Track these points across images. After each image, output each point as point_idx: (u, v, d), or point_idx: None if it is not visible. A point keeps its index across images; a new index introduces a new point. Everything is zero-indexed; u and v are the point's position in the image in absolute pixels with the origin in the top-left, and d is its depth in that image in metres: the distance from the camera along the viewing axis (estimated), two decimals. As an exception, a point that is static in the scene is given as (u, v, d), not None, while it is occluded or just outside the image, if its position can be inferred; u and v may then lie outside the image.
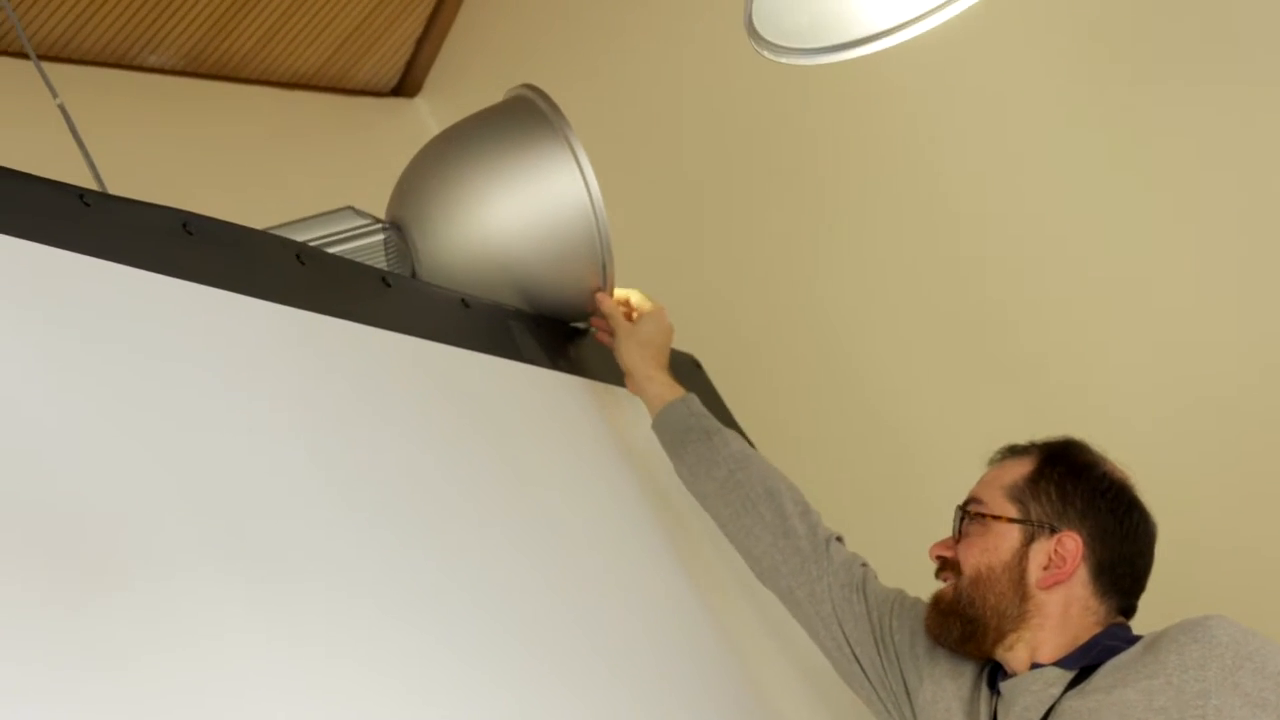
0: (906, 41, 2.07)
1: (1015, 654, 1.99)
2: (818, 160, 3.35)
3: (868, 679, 2.16)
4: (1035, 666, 1.98)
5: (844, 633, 2.17)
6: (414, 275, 2.35)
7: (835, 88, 3.19)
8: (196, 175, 3.12)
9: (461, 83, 3.80)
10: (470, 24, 3.82)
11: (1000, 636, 1.99)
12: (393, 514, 1.81)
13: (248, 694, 1.47)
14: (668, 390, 2.34)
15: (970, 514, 2.03)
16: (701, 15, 3.47)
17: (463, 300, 2.26)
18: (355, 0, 3.55)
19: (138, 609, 1.43)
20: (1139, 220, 3.01)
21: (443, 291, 2.24)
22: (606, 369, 2.45)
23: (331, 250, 2.23)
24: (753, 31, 2.01)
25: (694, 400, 2.34)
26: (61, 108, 1.98)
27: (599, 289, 2.42)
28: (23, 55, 2.89)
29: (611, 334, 2.41)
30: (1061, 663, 1.96)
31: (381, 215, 2.40)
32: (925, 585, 2.09)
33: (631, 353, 2.37)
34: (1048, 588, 1.98)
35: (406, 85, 3.86)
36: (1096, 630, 1.98)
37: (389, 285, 2.14)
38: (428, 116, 3.80)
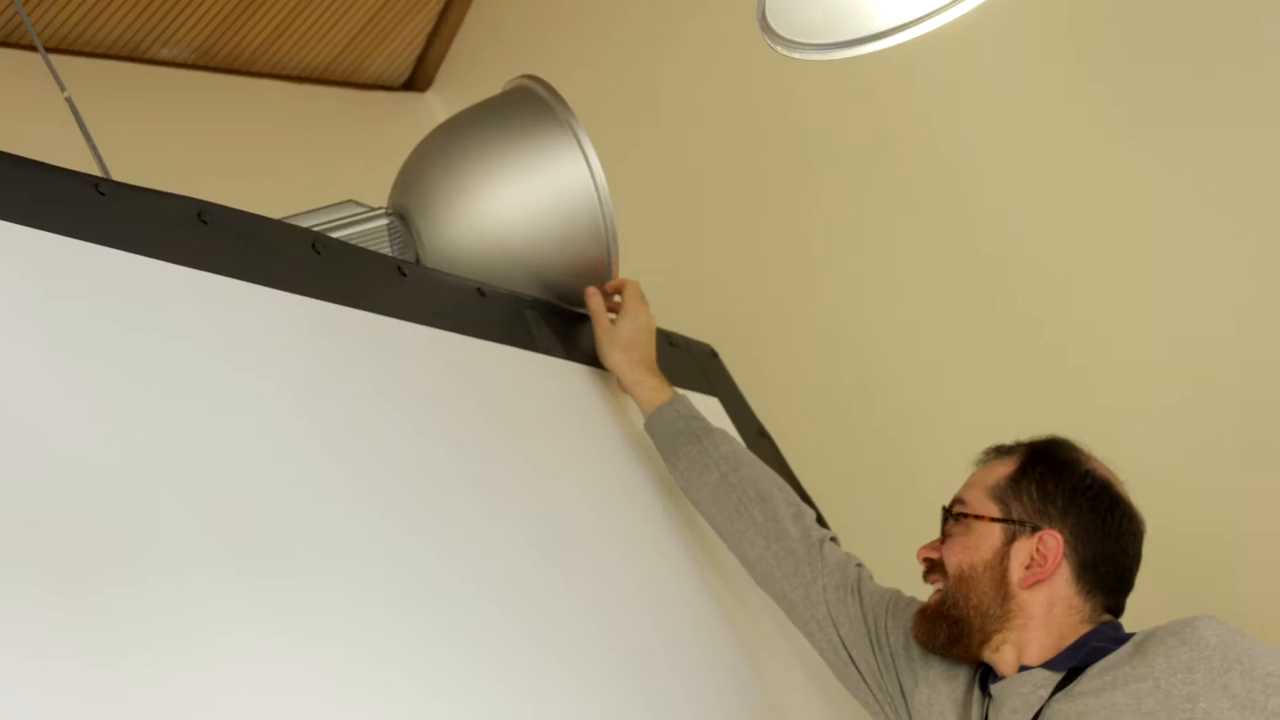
0: (920, 36, 2.07)
1: (1002, 655, 1.98)
2: (830, 152, 3.35)
3: (864, 681, 2.15)
4: (1023, 668, 1.97)
5: (839, 635, 2.16)
6: (418, 262, 2.34)
7: (848, 81, 3.19)
8: (208, 169, 3.12)
9: (472, 77, 3.80)
10: (481, 19, 3.82)
11: (986, 638, 1.98)
12: (405, 505, 1.81)
13: (254, 687, 1.47)
14: (656, 393, 2.32)
15: (954, 514, 2.03)
16: (712, 7, 3.47)
17: (478, 289, 2.25)
18: (367, -5, 3.56)
19: (143, 599, 1.42)
20: (1148, 214, 3.01)
21: (458, 280, 2.24)
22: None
23: (335, 235, 2.22)
24: (766, 27, 2.01)
25: (683, 402, 2.32)
26: (69, 100, 1.97)
27: (603, 277, 2.41)
28: (32, 48, 2.90)
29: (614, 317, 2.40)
30: (1049, 664, 1.95)
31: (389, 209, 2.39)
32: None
33: (614, 357, 2.34)
34: (1030, 587, 1.97)
35: (418, 79, 3.86)
36: (1084, 630, 1.97)
37: (404, 274, 2.13)
38: (439, 111, 3.80)
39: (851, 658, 2.15)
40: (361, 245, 2.20)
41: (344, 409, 1.83)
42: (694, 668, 2.14)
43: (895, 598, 2.17)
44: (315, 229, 2.13)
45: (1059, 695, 1.91)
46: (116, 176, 1.76)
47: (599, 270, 2.40)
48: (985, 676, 2.02)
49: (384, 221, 2.30)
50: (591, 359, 2.38)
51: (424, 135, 2.47)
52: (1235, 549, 2.90)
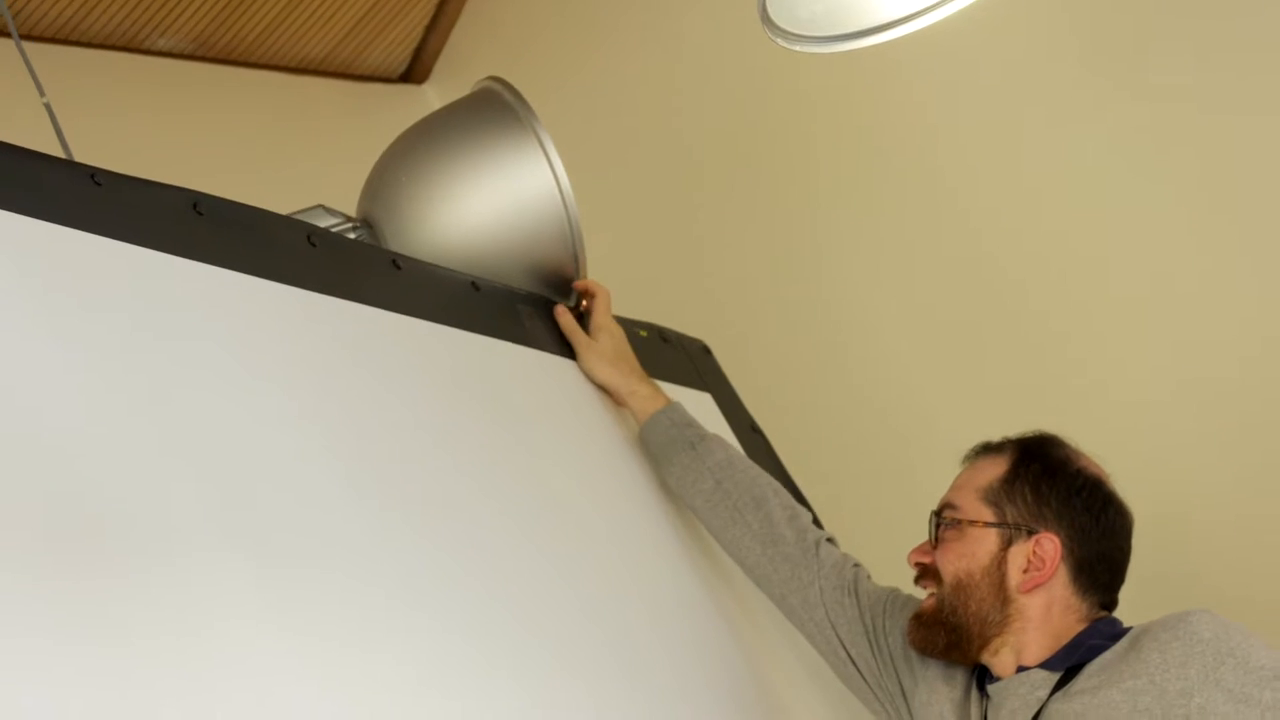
0: (919, 30, 2.07)
1: (1000, 659, 1.98)
2: (823, 146, 3.35)
3: (865, 681, 2.15)
4: (1021, 669, 1.96)
5: (838, 636, 2.16)
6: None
7: (842, 73, 3.19)
8: (204, 160, 3.12)
9: (469, 69, 3.79)
10: (478, 11, 3.82)
11: (985, 642, 1.98)
12: (399, 497, 1.81)
13: (253, 676, 1.47)
14: (650, 402, 2.32)
15: (946, 520, 2.02)
16: (710, 2, 3.47)
17: (473, 283, 2.25)
18: (364, -14, 3.55)
19: (141, 587, 1.43)
20: (1146, 206, 3.01)
21: (451, 274, 2.24)
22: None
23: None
24: (767, 20, 2.01)
25: (677, 409, 2.32)
26: (47, 106, 1.97)
27: (571, 279, 2.40)
28: (25, 36, 2.89)
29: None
30: (1047, 664, 1.95)
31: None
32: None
33: (604, 372, 2.34)
34: (1028, 591, 1.96)
35: (415, 71, 3.85)
36: (1080, 627, 1.97)
37: (398, 267, 2.14)
38: (435, 103, 3.80)
39: (851, 658, 2.15)
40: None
41: (337, 401, 1.83)
42: (691, 663, 2.14)
43: (893, 597, 2.17)
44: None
45: (1057, 695, 1.91)
46: (112, 167, 1.76)
47: (566, 275, 2.40)
48: (982, 676, 2.02)
49: (352, 237, 2.29)
50: (585, 353, 2.39)
51: (419, 120, 2.47)
52: (1230, 540, 2.91)
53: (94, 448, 1.48)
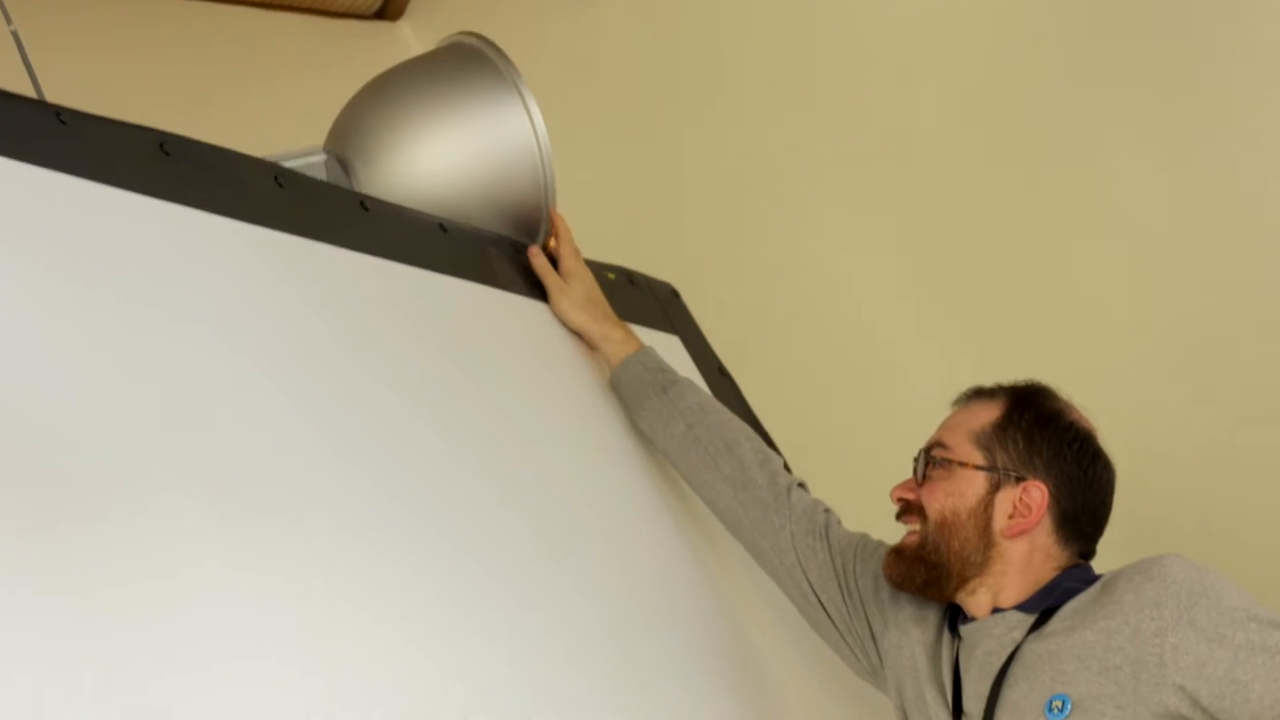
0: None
1: (977, 599, 2.00)
2: (789, 89, 3.36)
3: (834, 626, 2.17)
4: (996, 611, 1.98)
5: (808, 580, 2.17)
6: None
7: (817, 17, 3.19)
8: (174, 96, 3.10)
9: (444, 6, 3.78)
10: (455, -53, 3.80)
11: (963, 582, 1.99)
12: (363, 438, 1.82)
13: (219, 620, 1.48)
14: (622, 346, 2.33)
15: (935, 459, 2.02)
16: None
17: (440, 225, 2.25)
18: (339, -79, 3.53)
19: (102, 530, 1.43)
20: (1116, 157, 3.02)
21: (420, 216, 2.24)
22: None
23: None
24: None
25: (649, 354, 2.32)
26: (15, 35, 1.96)
27: (539, 221, 2.40)
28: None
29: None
30: (1022, 606, 1.97)
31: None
32: (894, 523, 2.09)
33: (577, 317, 2.34)
34: (1012, 536, 1.98)
35: (390, 8, 3.83)
36: (1056, 573, 1.99)
37: (366, 209, 2.13)
38: (411, 39, 3.78)
39: (821, 603, 2.17)
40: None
41: (304, 341, 1.84)
42: (659, 604, 2.16)
43: (864, 542, 2.18)
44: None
45: (1031, 636, 1.93)
46: (78, 105, 1.76)
47: (536, 216, 2.40)
48: (954, 618, 2.03)
49: (320, 159, 2.29)
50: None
51: (395, 65, 2.46)
52: (1208, 493, 2.94)
53: (55, 388, 1.48)
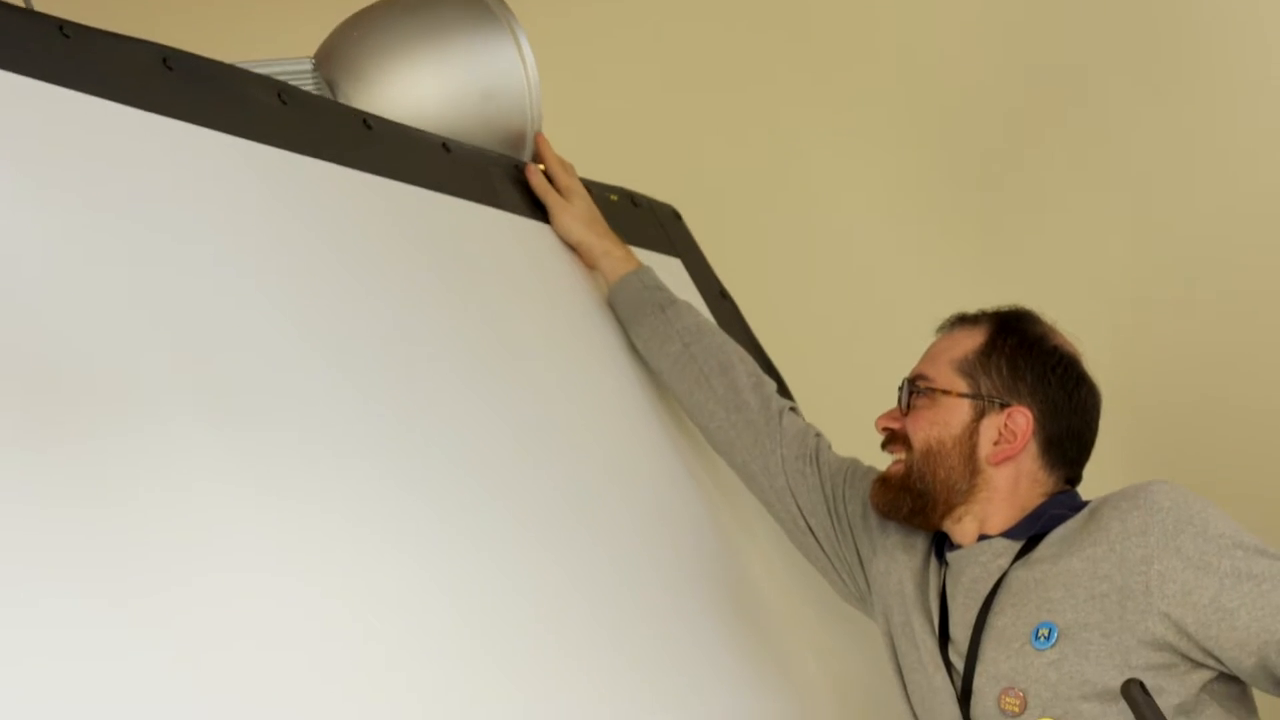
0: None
1: (963, 526, 2.00)
2: (794, 15, 3.35)
3: (822, 550, 2.17)
4: (983, 538, 1.99)
5: (798, 505, 2.18)
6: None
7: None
8: (175, 12, 3.09)
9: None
10: None
11: (949, 510, 2.00)
12: (365, 358, 1.82)
13: (224, 535, 1.50)
14: (622, 264, 2.32)
15: (919, 388, 2.02)
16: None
17: (443, 144, 2.25)
18: None
19: (110, 449, 1.44)
20: (1103, 76, 3.03)
21: (423, 135, 2.23)
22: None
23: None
24: None
25: (648, 272, 2.32)
26: None
27: (525, 145, 2.39)
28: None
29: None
30: (1009, 533, 1.98)
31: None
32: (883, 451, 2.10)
33: (579, 232, 2.33)
34: (998, 463, 1.98)
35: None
36: (1043, 500, 1.99)
37: (369, 127, 2.13)
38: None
39: (810, 527, 2.17)
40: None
41: (304, 260, 1.84)
42: (655, 523, 2.16)
43: (854, 467, 2.18)
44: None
45: (1018, 563, 1.94)
46: (80, 19, 1.76)
47: (521, 142, 2.39)
48: (941, 545, 2.04)
49: (308, 67, 2.28)
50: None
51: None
52: (1193, 416, 2.95)
53: (56, 305, 1.48)
